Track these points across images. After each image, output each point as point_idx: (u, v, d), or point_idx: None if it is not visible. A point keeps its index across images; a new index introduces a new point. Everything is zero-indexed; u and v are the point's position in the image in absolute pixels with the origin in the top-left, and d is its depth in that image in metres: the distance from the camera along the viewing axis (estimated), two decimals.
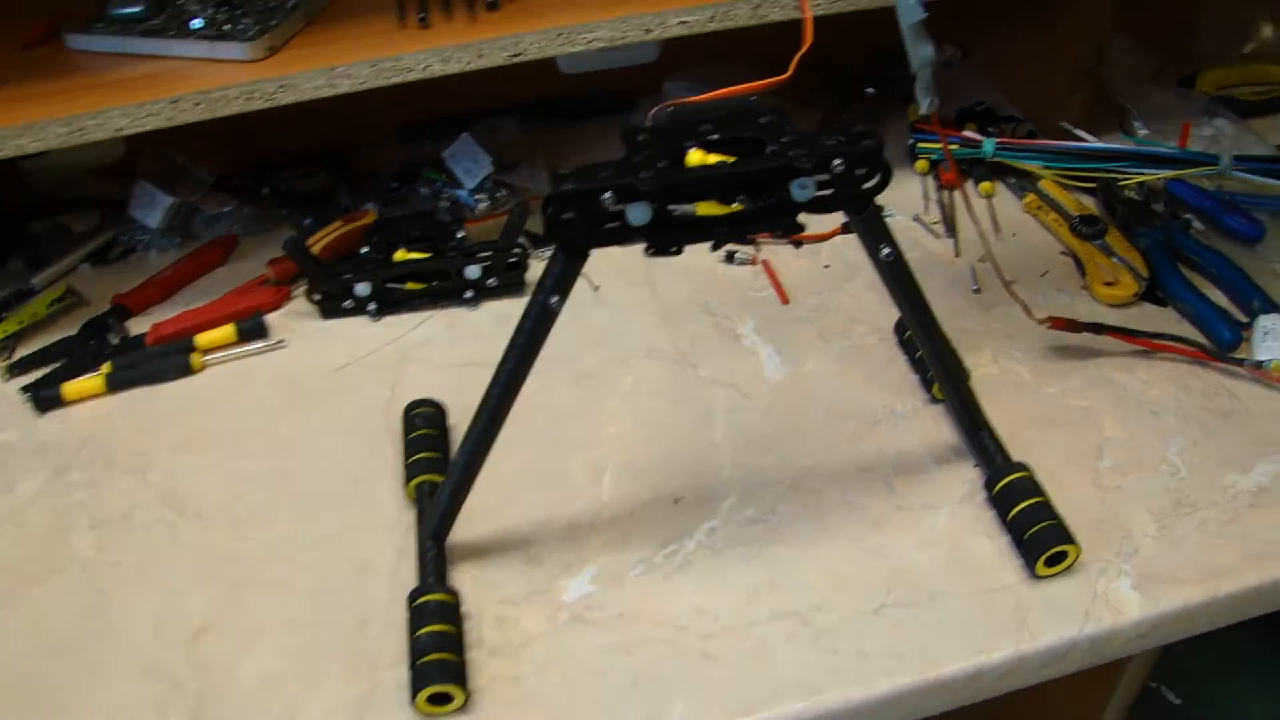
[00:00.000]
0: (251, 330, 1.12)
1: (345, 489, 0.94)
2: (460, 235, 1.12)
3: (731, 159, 0.65)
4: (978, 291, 1.07)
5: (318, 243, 1.17)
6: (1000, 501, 0.84)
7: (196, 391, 1.06)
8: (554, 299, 0.70)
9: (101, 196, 1.30)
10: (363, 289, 1.11)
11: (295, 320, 1.14)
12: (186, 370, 1.08)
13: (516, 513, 0.91)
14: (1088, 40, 1.20)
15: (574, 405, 1.00)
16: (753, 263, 1.12)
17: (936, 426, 0.94)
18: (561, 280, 0.70)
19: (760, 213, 0.68)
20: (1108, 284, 1.03)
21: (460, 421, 0.98)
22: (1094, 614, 0.78)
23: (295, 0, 1.04)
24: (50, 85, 1.01)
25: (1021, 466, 0.84)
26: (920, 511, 0.87)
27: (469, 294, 1.12)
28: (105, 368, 1.08)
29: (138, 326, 1.15)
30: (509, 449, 0.82)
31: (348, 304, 1.12)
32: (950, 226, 1.14)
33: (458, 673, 0.76)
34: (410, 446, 0.93)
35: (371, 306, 1.12)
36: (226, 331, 1.12)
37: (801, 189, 0.66)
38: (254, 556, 0.88)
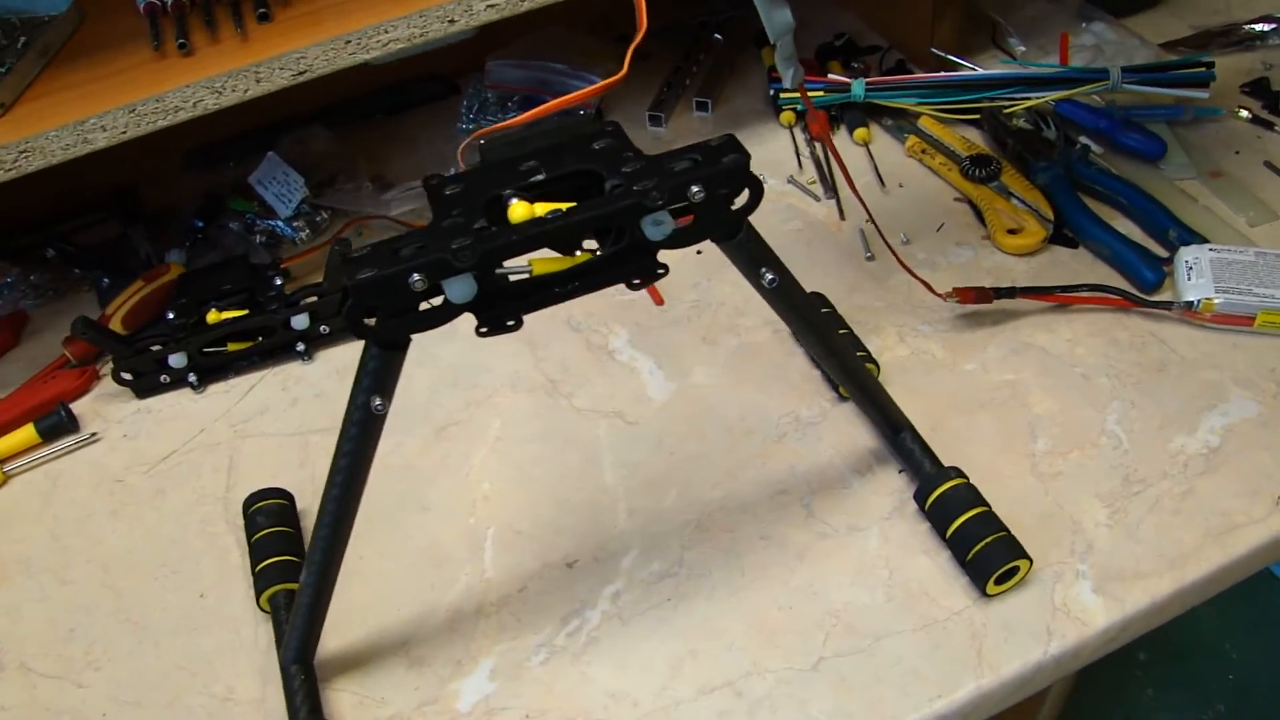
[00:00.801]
0: (55, 427, 0.95)
1: (191, 606, 0.79)
2: (278, 282, 0.96)
3: (566, 205, 0.52)
4: (871, 259, 0.96)
5: (116, 311, 1.00)
6: (936, 516, 0.74)
7: (11, 503, 0.90)
8: (376, 401, 0.57)
9: None
10: (177, 361, 0.95)
11: (107, 405, 0.97)
12: None
13: (390, 608, 0.78)
14: None
15: (436, 464, 0.87)
16: None
17: (850, 429, 0.83)
18: (380, 379, 0.56)
19: (613, 259, 0.55)
20: (1011, 231, 0.93)
21: (312, 506, 0.84)
22: (1057, 630, 0.69)
23: (24, 39, 0.86)
24: None
25: (954, 472, 0.74)
26: (846, 536, 0.77)
27: (300, 346, 0.97)
28: None
29: None
30: (370, 531, 0.71)
31: (164, 379, 0.96)
32: (830, 185, 1.03)
33: None
34: (256, 551, 0.79)
35: (191, 378, 0.96)
36: (26, 434, 0.95)
37: (657, 226, 0.54)
38: (96, 708, 0.74)
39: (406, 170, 1.13)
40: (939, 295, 0.84)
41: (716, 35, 1.18)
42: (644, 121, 1.12)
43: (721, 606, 0.74)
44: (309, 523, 0.81)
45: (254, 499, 0.83)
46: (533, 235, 0.50)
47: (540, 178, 0.54)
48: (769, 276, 0.61)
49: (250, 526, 0.81)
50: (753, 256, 0.60)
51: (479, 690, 0.72)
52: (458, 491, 0.84)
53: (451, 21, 0.85)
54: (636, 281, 0.56)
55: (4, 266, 1.10)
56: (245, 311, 0.95)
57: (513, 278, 0.54)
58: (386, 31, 0.83)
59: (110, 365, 0.98)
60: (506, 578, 0.78)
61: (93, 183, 1.11)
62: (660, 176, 0.53)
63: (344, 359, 0.97)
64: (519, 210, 0.52)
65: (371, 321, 0.54)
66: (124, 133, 0.82)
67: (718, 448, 0.84)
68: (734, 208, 0.56)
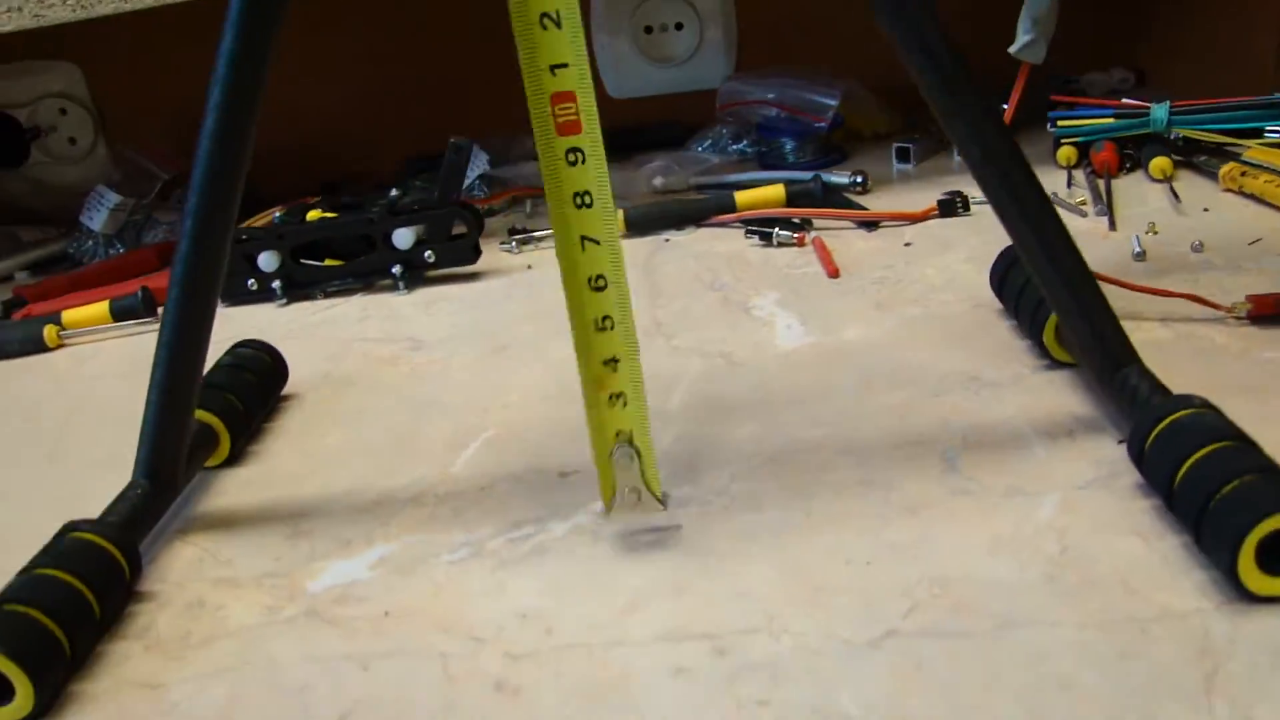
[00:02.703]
0: (128, 308, 0.84)
1: None
2: (393, 192, 0.81)
3: None
4: (1141, 256, 0.66)
5: (250, 222, 0.91)
6: (1158, 463, 0.41)
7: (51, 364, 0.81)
8: None
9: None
10: (267, 262, 0.82)
11: None
12: (39, 344, 0.82)
13: (314, 483, 0.55)
14: None
15: (478, 374, 0.65)
16: (799, 244, 0.76)
17: (1053, 396, 0.52)
18: None
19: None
20: None
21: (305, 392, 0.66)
22: None
23: None
24: None
25: (1193, 400, 0.42)
26: (1000, 498, 0.45)
27: (397, 269, 0.80)
28: None
29: None
30: (356, 416, 0.60)
31: (250, 284, 0.83)
32: (1102, 201, 0.75)
33: (43, 652, 0.40)
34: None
35: (276, 286, 0.82)
36: (98, 310, 0.85)
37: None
38: None
39: None
40: (1218, 308, 0.55)
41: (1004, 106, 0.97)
42: (889, 156, 0.91)
43: (753, 547, 0.44)
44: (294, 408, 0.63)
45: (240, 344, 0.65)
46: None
47: None
48: None
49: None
50: None
51: (346, 574, 0.47)
52: (479, 396, 0.62)
53: None
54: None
55: (177, 213, 1.06)
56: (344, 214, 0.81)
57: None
58: None
59: None
60: (474, 474, 0.53)
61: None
62: None
63: (442, 294, 0.79)
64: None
65: None
66: None
67: (843, 394, 0.55)
68: None
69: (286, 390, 0.66)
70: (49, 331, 0.83)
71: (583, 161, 0.42)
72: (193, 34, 1.08)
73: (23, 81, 1.13)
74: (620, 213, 0.80)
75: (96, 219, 1.03)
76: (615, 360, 0.44)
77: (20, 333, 0.84)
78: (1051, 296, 0.48)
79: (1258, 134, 0.77)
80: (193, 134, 1.06)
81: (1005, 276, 0.60)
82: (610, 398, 0.45)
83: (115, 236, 1.04)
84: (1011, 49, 0.60)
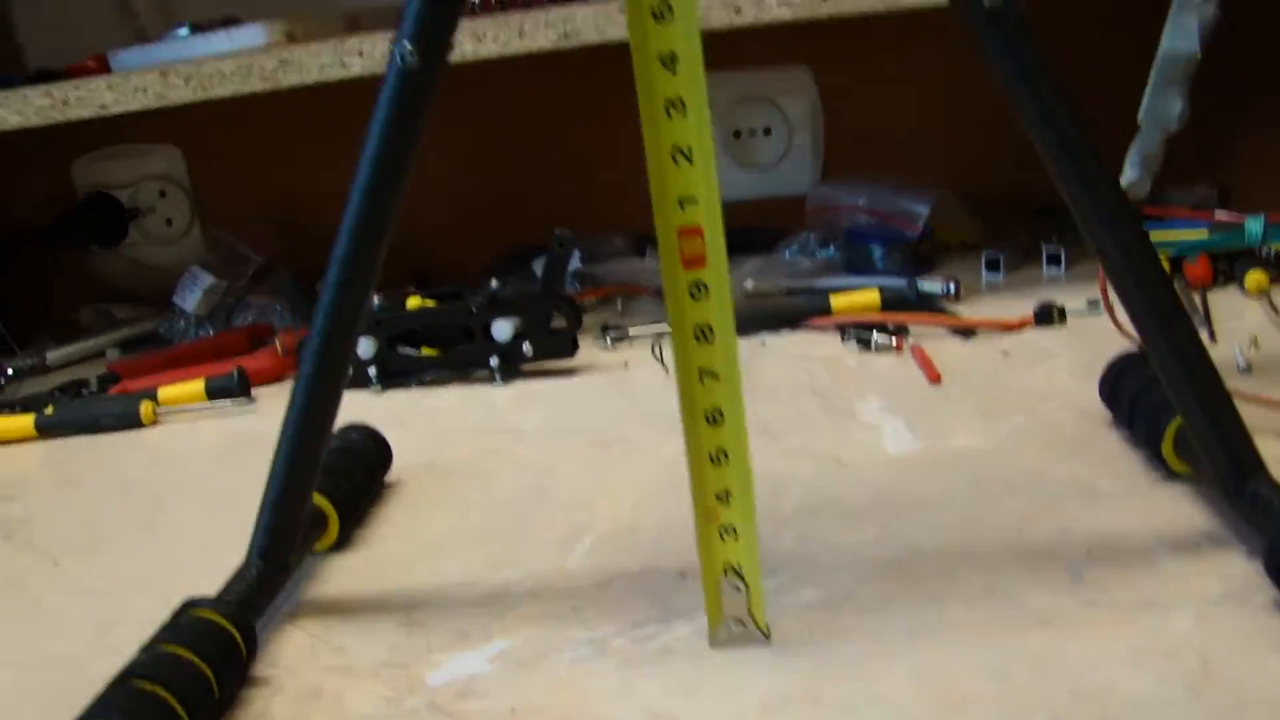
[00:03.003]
0: (223, 388, 0.86)
1: None
2: (493, 284, 0.83)
3: None
4: (1247, 370, 0.66)
5: None
6: None
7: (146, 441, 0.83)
8: (407, 50, 0.43)
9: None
10: (365, 349, 0.83)
11: (286, 387, 0.87)
12: (134, 420, 0.84)
13: (423, 571, 0.56)
14: None
15: (584, 468, 0.66)
16: (897, 349, 0.77)
17: (1174, 508, 0.52)
18: (425, 15, 0.43)
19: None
20: None
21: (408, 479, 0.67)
22: None
23: None
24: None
25: None
26: (1132, 611, 0.44)
27: (494, 362, 0.81)
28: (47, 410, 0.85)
29: None
30: (450, 500, 0.60)
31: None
32: (1204, 317, 0.75)
33: None
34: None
35: (372, 372, 0.84)
36: (194, 387, 0.86)
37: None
38: None
39: None
40: None
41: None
42: (977, 266, 0.92)
43: (888, 649, 0.44)
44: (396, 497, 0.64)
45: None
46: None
47: None
48: None
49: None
50: None
51: (466, 668, 0.47)
52: (586, 490, 0.63)
53: (738, 11, 0.76)
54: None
55: (268, 295, 1.08)
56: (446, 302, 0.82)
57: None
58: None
59: None
60: (589, 570, 0.54)
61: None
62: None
63: (539, 389, 0.80)
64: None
65: None
66: (379, 65, 0.79)
67: (959, 501, 0.55)
68: None
69: (389, 477, 0.67)
70: (145, 407, 0.84)
71: (706, 295, 0.42)
72: (289, 122, 1.13)
73: (127, 163, 1.17)
74: None
75: (190, 300, 1.06)
76: (728, 494, 0.44)
77: (117, 407, 0.85)
78: (1180, 403, 0.48)
79: None
80: (286, 220, 1.11)
81: (1116, 386, 0.60)
82: (721, 532, 0.45)
83: (206, 318, 1.06)
84: (1123, 181, 0.61)
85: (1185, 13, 0.57)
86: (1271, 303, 0.77)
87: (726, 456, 0.44)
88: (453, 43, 0.45)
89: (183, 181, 1.18)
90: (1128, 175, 0.63)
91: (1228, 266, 0.83)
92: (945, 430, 0.64)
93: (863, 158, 1.08)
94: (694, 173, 0.41)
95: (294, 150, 1.15)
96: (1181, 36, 0.58)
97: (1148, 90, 0.60)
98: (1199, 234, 0.82)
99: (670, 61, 0.40)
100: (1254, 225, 0.79)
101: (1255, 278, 0.79)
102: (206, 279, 1.05)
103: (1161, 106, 0.59)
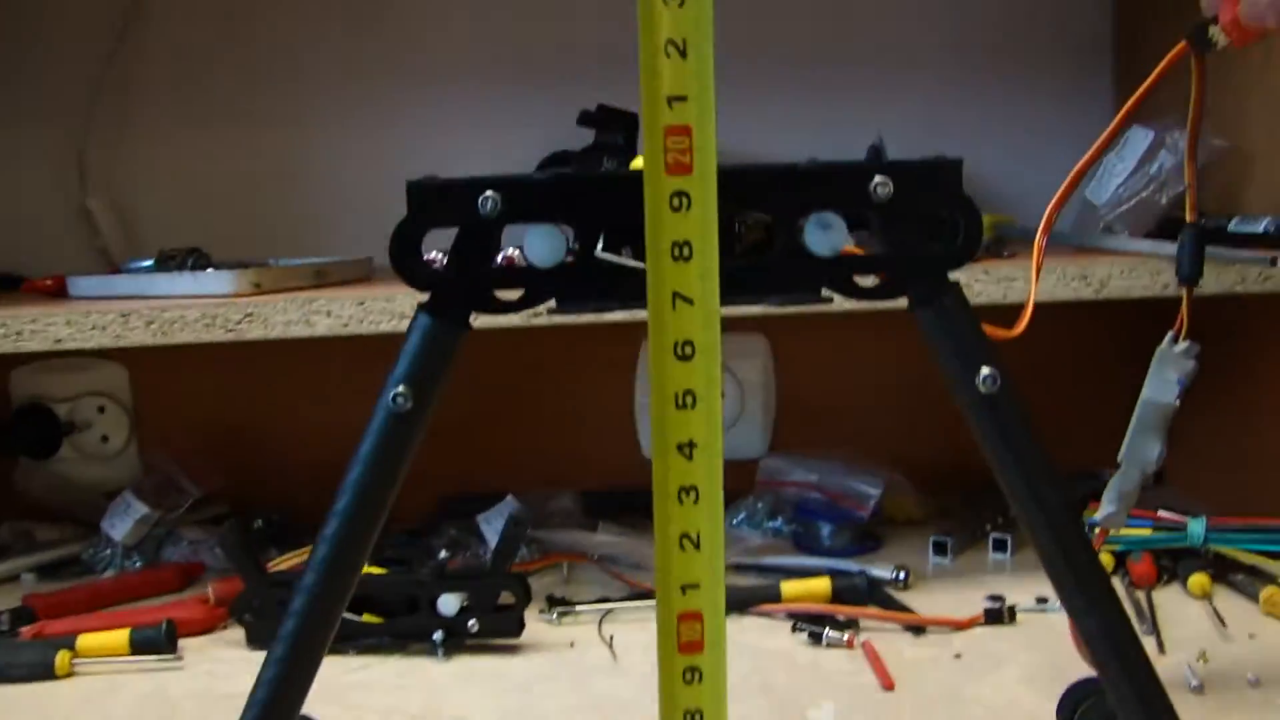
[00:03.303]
0: (148, 641, 0.82)
1: None
2: (443, 554, 0.82)
3: None
4: (1199, 689, 0.66)
5: (282, 562, 0.90)
6: None
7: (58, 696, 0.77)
8: (400, 392, 0.43)
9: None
10: None
11: (219, 648, 0.83)
12: (48, 672, 0.79)
13: None
14: None
15: None
16: (849, 645, 0.76)
17: None
18: (418, 360, 0.43)
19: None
20: None
21: None
22: None
23: None
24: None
25: None
26: None
27: (438, 636, 0.79)
28: None
29: None
30: None
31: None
32: (1150, 622, 0.76)
33: None
34: None
35: None
36: (117, 638, 0.82)
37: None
38: None
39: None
40: None
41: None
42: (924, 545, 0.93)
43: None
44: None
45: None
46: None
47: None
48: (986, 373, 0.42)
49: None
50: (961, 337, 0.42)
51: None
52: None
53: None
54: None
55: (212, 528, 1.05)
56: (393, 571, 0.81)
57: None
58: None
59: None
60: None
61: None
62: None
63: (483, 668, 0.77)
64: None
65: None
66: (345, 325, 0.80)
67: None
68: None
69: None
70: (62, 659, 0.79)
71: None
72: (246, 362, 1.13)
73: (68, 377, 1.15)
74: None
75: (119, 528, 1.02)
76: None
77: (30, 656, 0.80)
78: (1089, 643, 0.48)
79: None
80: (230, 455, 1.08)
81: (1076, 714, 0.60)
82: None
83: (134, 547, 1.03)
84: (1095, 517, 0.63)
85: (1166, 367, 0.61)
86: (1216, 610, 0.78)
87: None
88: (444, 387, 0.46)
89: (124, 400, 1.16)
90: (1105, 510, 0.65)
91: (1171, 564, 0.85)
92: None
93: (812, 428, 1.11)
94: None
95: (248, 387, 1.14)
96: (1161, 388, 0.62)
97: (1129, 433, 0.63)
98: (1144, 531, 0.84)
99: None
100: (1196, 527, 0.81)
101: (1199, 580, 0.81)
102: (140, 509, 1.02)
103: (1141, 449, 0.63)
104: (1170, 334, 0.62)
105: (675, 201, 0.39)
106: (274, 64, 1.13)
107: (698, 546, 0.41)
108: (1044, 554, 0.46)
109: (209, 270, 0.91)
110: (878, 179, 0.44)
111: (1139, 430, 0.62)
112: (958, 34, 1.14)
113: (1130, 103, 0.59)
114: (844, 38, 1.14)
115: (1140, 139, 0.97)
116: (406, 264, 0.44)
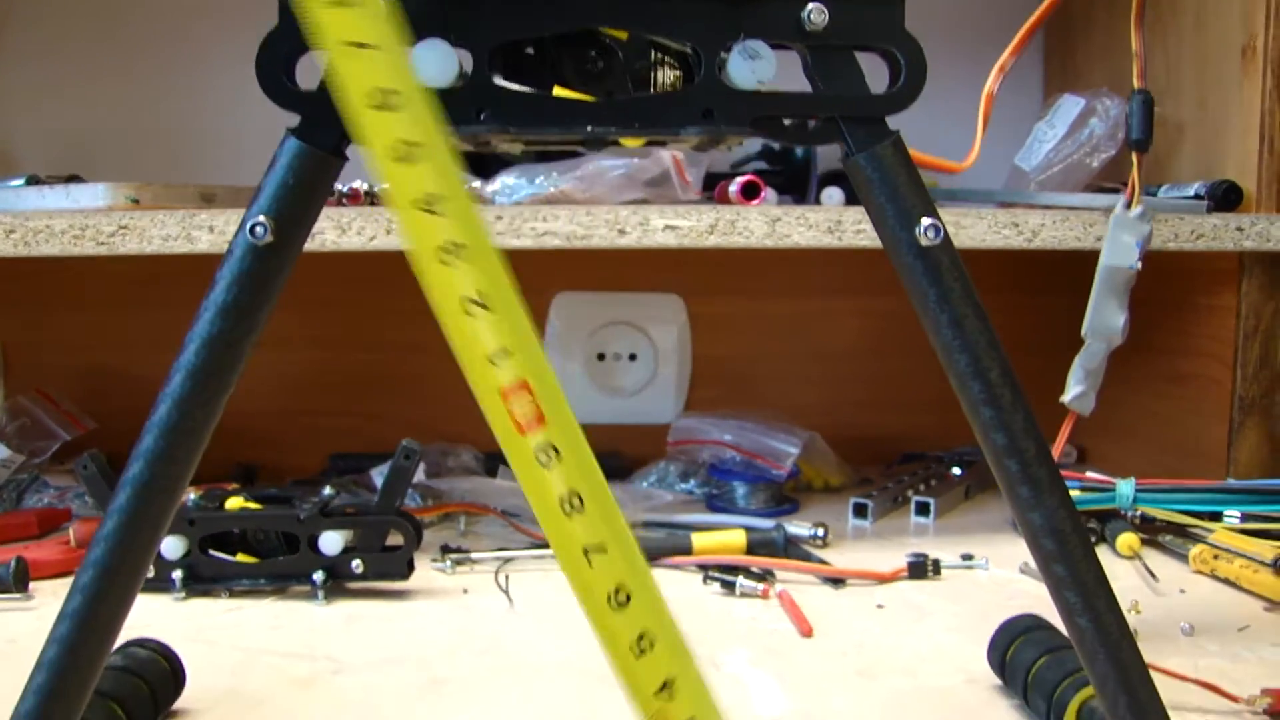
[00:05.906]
0: None
1: None
2: (327, 491, 0.75)
3: None
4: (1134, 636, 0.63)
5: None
6: None
7: None
8: (260, 223, 0.37)
9: None
10: (171, 548, 0.73)
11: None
12: None
13: None
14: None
15: (404, 711, 0.57)
16: (763, 596, 0.71)
17: None
18: (285, 189, 0.38)
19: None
20: None
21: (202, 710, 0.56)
22: None
23: None
24: None
25: None
26: None
27: (318, 577, 0.72)
28: None
29: None
30: None
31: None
32: None
33: None
34: None
35: (175, 576, 0.73)
36: None
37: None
38: None
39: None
40: (1235, 699, 0.53)
41: (955, 470, 0.97)
42: (847, 512, 0.89)
43: None
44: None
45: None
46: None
47: None
48: (926, 223, 0.38)
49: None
50: (900, 187, 0.39)
51: None
52: None
53: (622, 232, 0.75)
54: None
55: (70, 478, 0.97)
56: (272, 504, 0.73)
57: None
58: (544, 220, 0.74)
59: None
60: None
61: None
62: None
63: (366, 611, 0.71)
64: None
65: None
66: (230, 242, 0.74)
67: None
68: None
69: (180, 704, 0.56)
70: None
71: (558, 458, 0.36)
72: (122, 296, 1.05)
73: None
74: None
75: None
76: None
77: None
78: (1095, 673, 0.44)
79: (1217, 517, 0.78)
80: (104, 399, 1.00)
81: (1009, 652, 0.56)
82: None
83: None
84: (1064, 398, 0.61)
85: (1122, 232, 0.59)
86: (1147, 566, 0.75)
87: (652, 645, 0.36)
88: (312, 224, 0.40)
89: None
90: (1072, 390, 0.63)
91: (1099, 526, 0.82)
92: (820, 690, 0.58)
93: (729, 396, 1.06)
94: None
95: (123, 325, 1.06)
96: (1120, 252, 0.60)
97: (1090, 305, 0.61)
98: (1072, 493, 0.81)
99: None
100: (1125, 488, 0.78)
101: (1128, 539, 0.78)
102: (1, 451, 0.94)
103: (1105, 318, 0.61)
104: (1122, 199, 0.61)
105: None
106: None
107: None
108: (983, 433, 0.42)
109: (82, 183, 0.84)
110: (811, 5, 0.40)
111: (1101, 298, 0.60)
112: None
113: None
114: None
115: (1071, 106, 0.95)
116: (274, 81, 0.39)
